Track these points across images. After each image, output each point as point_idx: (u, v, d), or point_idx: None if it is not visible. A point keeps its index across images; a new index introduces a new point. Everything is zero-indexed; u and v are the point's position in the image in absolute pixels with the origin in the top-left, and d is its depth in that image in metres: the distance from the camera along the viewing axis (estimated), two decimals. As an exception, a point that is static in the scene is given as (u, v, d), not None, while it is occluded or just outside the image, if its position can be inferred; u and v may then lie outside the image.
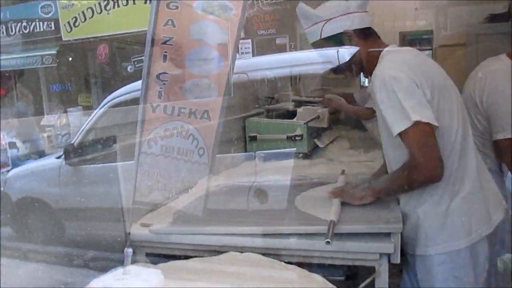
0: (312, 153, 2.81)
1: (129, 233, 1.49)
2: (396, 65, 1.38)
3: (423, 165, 1.30)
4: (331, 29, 1.50)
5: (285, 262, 1.30)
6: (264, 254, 1.31)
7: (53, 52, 6.83)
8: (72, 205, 3.35)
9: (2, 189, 3.76)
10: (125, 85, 3.50)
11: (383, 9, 7.01)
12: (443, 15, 6.16)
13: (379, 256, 1.28)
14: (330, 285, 1.17)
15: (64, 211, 3.46)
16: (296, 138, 2.62)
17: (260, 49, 4.65)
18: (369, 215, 1.40)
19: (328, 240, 1.23)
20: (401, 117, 1.30)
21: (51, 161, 3.69)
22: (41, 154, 4.37)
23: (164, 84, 2.27)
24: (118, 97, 3.45)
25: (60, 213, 3.48)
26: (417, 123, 1.28)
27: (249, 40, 3.99)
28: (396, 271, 1.51)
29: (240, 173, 2.39)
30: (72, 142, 3.59)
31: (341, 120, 3.41)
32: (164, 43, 2.27)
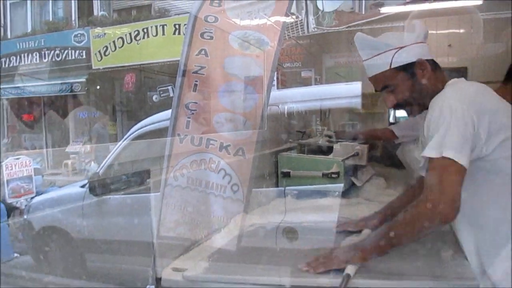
0: (348, 192, 2.66)
1: (161, 278, 1.36)
2: (458, 95, 1.30)
3: (439, 199, 1.17)
4: (404, 57, 1.37)
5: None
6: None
7: (83, 80, 6.96)
8: (95, 236, 3.26)
9: (25, 216, 3.70)
10: (151, 114, 3.47)
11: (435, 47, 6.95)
12: (476, 52, 6.05)
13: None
14: None
15: (87, 242, 3.37)
16: (333, 175, 2.48)
17: (286, 82, 4.62)
18: (433, 268, 1.24)
19: None
20: (437, 145, 1.21)
21: (75, 190, 3.63)
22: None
23: (193, 113, 2.21)
24: (144, 127, 3.42)
25: (82, 244, 3.39)
26: (447, 159, 1.19)
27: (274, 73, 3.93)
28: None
29: (274, 212, 2.26)
30: (98, 171, 3.53)
31: (376, 157, 3.27)
32: (196, 72, 2.22)
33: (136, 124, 3.54)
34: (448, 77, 1.43)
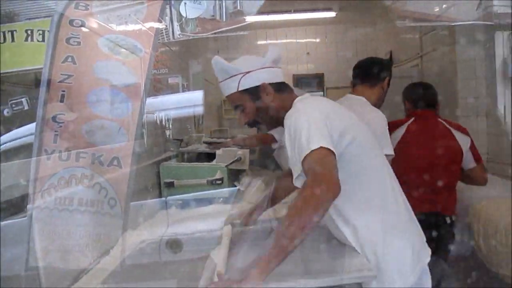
0: (232, 197, 2.67)
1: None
2: (308, 106, 1.43)
3: (323, 179, 1.21)
4: (249, 82, 1.49)
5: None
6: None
7: None
8: None
9: None
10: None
11: (286, 55, 7.34)
12: (333, 60, 6.64)
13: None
14: None
15: None
16: (217, 182, 2.47)
17: (161, 88, 4.50)
18: (331, 264, 1.29)
19: None
20: (303, 147, 1.26)
21: None
22: None
23: (61, 126, 2.01)
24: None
25: None
26: (314, 150, 1.24)
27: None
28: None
29: (161, 224, 2.15)
30: None
31: (252, 160, 3.35)
32: (62, 81, 2.02)
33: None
34: (297, 93, 1.55)
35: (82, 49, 2.04)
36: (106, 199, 1.99)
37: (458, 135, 2.44)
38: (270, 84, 1.49)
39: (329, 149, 1.25)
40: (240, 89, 1.49)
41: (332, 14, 5.49)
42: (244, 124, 1.58)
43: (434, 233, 2.08)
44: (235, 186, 2.75)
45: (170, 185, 2.49)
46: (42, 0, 2.74)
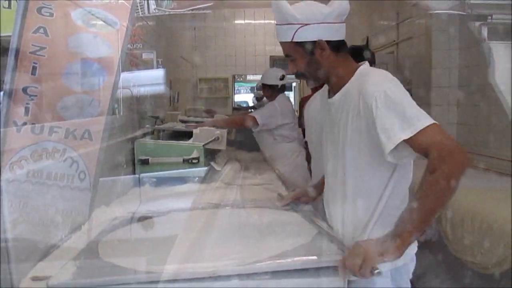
0: (207, 177, 2.66)
1: (20, 291, 1.16)
2: (389, 79, 1.34)
3: (455, 149, 1.19)
4: (304, 35, 1.39)
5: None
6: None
7: None
8: None
9: None
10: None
11: (256, 33, 7.29)
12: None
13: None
14: None
15: None
16: (193, 161, 2.45)
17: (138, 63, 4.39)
18: (306, 247, 1.30)
19: None
20: (414, 120, 1.22)
21: None
22: None
23: (33, 99, 1.94)
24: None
25: None
26: (431, 126, 1.22)
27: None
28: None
29: (134, 202, 2.13)
30: None
31: (228, 141, 3.34)
32: (34, 53, 1.94)
33: None
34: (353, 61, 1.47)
35: (55, 21, 1.96)
36: (76, 173, 1.95)
37: None
38: (327, 41, 1.40)
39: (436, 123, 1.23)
40: (294, 40, 1.40)
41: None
42: (292, 74, 1.52)
43: None
44: (211, 165, 2.74)
45: (144, 162, 2.45)
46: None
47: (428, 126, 1.21)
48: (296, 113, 3.67)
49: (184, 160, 2.45)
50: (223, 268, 1.19)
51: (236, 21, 7.39)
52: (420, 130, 1.20)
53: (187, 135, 2.70)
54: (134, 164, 2.49)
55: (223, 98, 7.41)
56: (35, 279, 1.21)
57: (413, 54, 4.60)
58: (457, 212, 2.43)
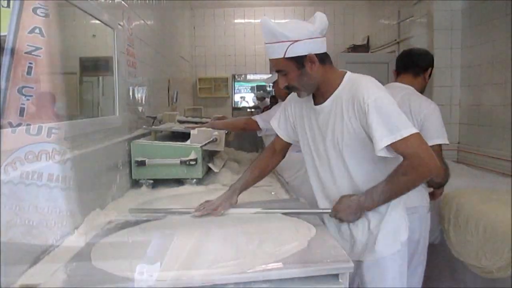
0: (205, 178, 2.61)
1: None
2: (378, 87, 1.52)
3: (427, 160, 1.44)
4: (295, 51, 1.51)
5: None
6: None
7: None
8: None
9: None
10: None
11: (256, 33, 7.24)
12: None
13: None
14: None
15: None
16: (191, 162, 2.40)
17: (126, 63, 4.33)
18: (309, 254, 1.26)
19: None
20: (399, 127, 1.43)
21: None
22: None
23: (28, 99, 1.89)
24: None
25: None
26: (411, 135, 1.44)
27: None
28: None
29: (130, 204, 2.07)
30: None
31: (226, 141, 3.29)
32: (29, 53, 1.90)
33: None
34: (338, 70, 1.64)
35: (51, 22, 1.92)
36: (71, 174, 1.90)
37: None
38: (316, 54, 1.53)
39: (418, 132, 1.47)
40: (286, 56, 1.51)
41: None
42: (283, 87, 1.63)
43: None
44: (209, 167, 2.69)
45: (141, 164, 2.40)
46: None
47: (408, 136, 1.43)
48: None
49: (181, 162, 2.40)
50: (219, 277, 1.15)
51: (236, 20, 7.35)
52: (400, 139, 1.43)
53: (185, 136, 2.64)
54: (130, 166, 2.44)
55: (222, 98, 7.36)
56: (23, 286, 1.16)
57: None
58: (460, 214, 2.39)
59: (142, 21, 3.17)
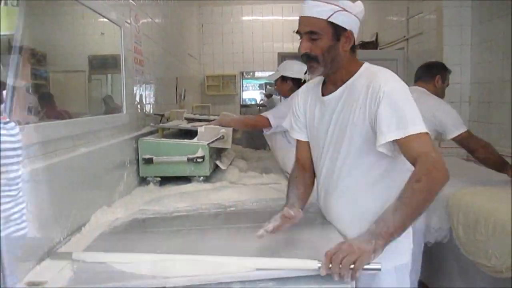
0: (212, 176, 2.61)
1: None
2: (397, 79, 1.41)
3: (441, 163, 1.27)
4: (341, 20, 1.40)
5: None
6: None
7: None
8: None
9: None
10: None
11: (264, 30, 7.23)
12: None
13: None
14: None
15: None
16: (198, 160, 2.40)
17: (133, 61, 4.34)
18: (315, 253, 1.25)
19: None
20: (410, 123, 1.31)
21: None
22: None
23: (36, 98, 1.91)
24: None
25: None
26: (422, 133, 1.31)
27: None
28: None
29: (137, 202, 2.08)
30: None
31: (234, 139, 3.28)
32: (38, 51, 1.92)
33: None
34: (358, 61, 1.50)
35: (59, 20, 1.93)
36: (80, 172, 1.92)
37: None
38: (352, 33, 1.43)
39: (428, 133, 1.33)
40: (330, 20, 1.39)
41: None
42: (303, 54, 1.45)
43: None
44: (216, 165, 2.69)
45: (148, 161, 2.40)
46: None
47: (420, 133, 1.30)
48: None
49: (188, 159, 2.40)
50: (224, 275, 1.15)
51: (244, 18, 7.33)
52: (411, 135, 1.29)
53: (192, 133, 2.65)
54: (138, 163, 2.45)
55: (230, 95, 7.36)
56: (30, 284, 1.17)
57: (424, 50, 4.52)
58: (469, 213, 2.36)
59: (150, 19, 3.17)
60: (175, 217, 1.83)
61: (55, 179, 1.50)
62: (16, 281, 1.17)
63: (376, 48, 5.79)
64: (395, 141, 1.32)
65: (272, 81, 3.20)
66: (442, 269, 2.67)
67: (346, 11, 1.40)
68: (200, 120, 3.21)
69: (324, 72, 1.48)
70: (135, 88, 2.66)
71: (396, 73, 1.45)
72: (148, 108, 3.06)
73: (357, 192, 1.49)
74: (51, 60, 1.73)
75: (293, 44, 6.73)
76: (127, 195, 2.23)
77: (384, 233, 1.16)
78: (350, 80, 1.46)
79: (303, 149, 1.69)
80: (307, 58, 1.45)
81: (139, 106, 2.76)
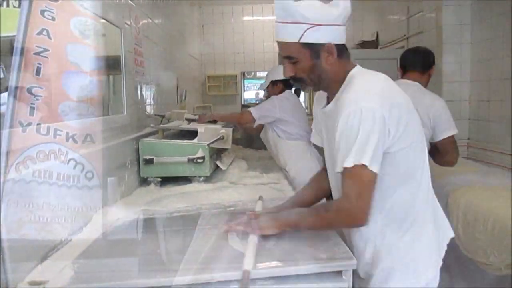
0: (212, 176, 2.63)
1: (16, 297, 1.14)
2: (369, 94, 1.26)
3: (357, 209, 1.24)
4: (314, 37, 1.29)
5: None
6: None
7: None
8: None
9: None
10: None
11: (265, 30, 7.23)
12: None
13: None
14: None
15: None
16: (198, 160, 2.41)
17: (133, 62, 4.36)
18: (313, 251, 1.26)
19: None
20: (354, 154, 1.21)
21: None
22: None
23: (38, 99, 1.93)
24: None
25: None
26: (364, 166, 1.20)
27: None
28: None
29: (138, 202, 2.10)
30: None
31: (234, 139, 3.30)
32: (38, 53, 1.93)
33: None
34: (351, 63, 1.40)
35: (57, 25, 1.95)
36: (83, 173, 1.94)
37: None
38: (335, 45, 1.32)
39: (374, 172, 1.22)
40: (302, 41, 1.29)
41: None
42: (289, 77, 1.40)
43: None
44: (217, 165, 2.70)
45: (149, 162, 2.42)
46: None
47: (364, 167, 1.20)
48: (306, 110, 3.59)
49: (189, 160, 2.42)
50: (222, 273, 1.16)
51: (244, 18, 7.34)
52: (352, 167, 1.21)
53: (193, 134, 2.66)
54: (138, 164, 2.47)
55: (232, 96, 7.38)
56: (32, 283, 1.19)
57: (424, 49, 4.52)
58: (469, 211, 2.37)
59: (150, 20, 3.19)
60: (176, 217, 1.84)
61: (56, 180, 1.51)
62: (18, 280, 1.19)
63: (377, 47, 5.79)
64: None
65: (264, 90, 3.32)
66: (441, 267, 2.68)
67: (319, 25, 1.29)
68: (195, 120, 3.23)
69: (317, 89, 1.44)
70: (135, 89, 2.67)
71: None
72: (149, 109, 3.08)
73: None
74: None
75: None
76: (128, 196, 2.25)
77: (279, 223, 1.39)
78: (338, 92, 1.36)
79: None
80: (294, 80, 1.42)
81: (139, 107, 2.77)
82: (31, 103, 1.92)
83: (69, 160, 1.92)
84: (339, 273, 1.18)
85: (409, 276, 1.35)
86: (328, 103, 1.44)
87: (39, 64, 1.91)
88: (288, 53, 1.34)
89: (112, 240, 1.54)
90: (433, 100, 2.42)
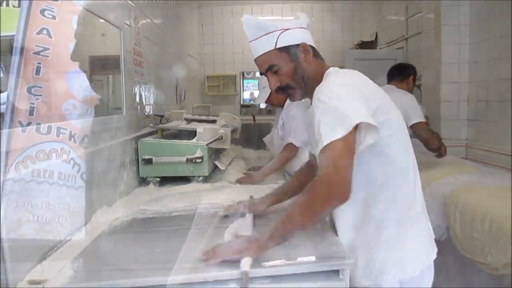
0: (211, 176, 2.64)
1: (15, 295, 1.15)
2: (341, 81, 1.33)
3: (335, 177, 1.19)
4: (289, 39, 1.40)
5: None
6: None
7: None
8: None
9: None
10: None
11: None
12: (319, 40, 6.55)
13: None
14: None
15: None
16: (197, 160, 2.42)
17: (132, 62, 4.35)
18: (310, 250, 1.27)
19: None
20: (328, 131, 1.21)
21: None
22: None
23: (38, 99, 1.93)
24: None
25: None
26: (338, 141, 1.20)
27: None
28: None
29: (137, 202, 2.11)
30: None
31: (233, 139, 3.31)
32: (38, 53, 1.94)
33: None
34: (326, 65, 1.48)
35: (57, 24, 1.96)
36: (79, 174, 1.95)
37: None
38: (310, 45, 1.43)
39: (348, 140, 1.20)
40: (278, 46, 1.40)
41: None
42: (276, 89, 1.46)
43: None
44: (215, 165, 2.71)
45: (148, 161, 2.43)
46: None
47: (332, 142, 1.19)
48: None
49: (187, 160, 2.43)
50: (220, 272, 1.17)
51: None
52: (326, 145, 1.20)
53: (192, 134, 2.67)
54: (137, 164, 2.48)
55: (231, 96, 7.38)
56: (31, 282, 1.20)
57: (423, 49, 4.54)
58: (466, 211, 2.38)
59: (149, 20, 3.19)
60: (175, 217, 1.85)
61: (56, 179, 1.52)
62: (18, 280, 1.20)
63: (376, 48, 5.81)
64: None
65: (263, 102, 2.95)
66: (439, 266, 2.69)
67: (289, 28, 1.41)
68: (200, 121, 3.24)
69: (305, 94, 1.47)
70: (134, 89, 2.68)
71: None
72: (148, 109, 3.08)
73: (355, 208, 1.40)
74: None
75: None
76: (127, 195, 2.26)
77: (259, 244, 1.23)
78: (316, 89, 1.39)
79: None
80: (281, 90, 1.47)
81: (139, 107, 2.78)
82: (31, 103, 1.93)
83: (70, 159, 1.94)
84: (337, 272, 1.19)
85: (404, 266, 1.36)
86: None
87: (39, 63, 1.92)
88: (269, 63, 1.43)
89: (111, 240, 1.54)
90: (402, 94, 3.04)
